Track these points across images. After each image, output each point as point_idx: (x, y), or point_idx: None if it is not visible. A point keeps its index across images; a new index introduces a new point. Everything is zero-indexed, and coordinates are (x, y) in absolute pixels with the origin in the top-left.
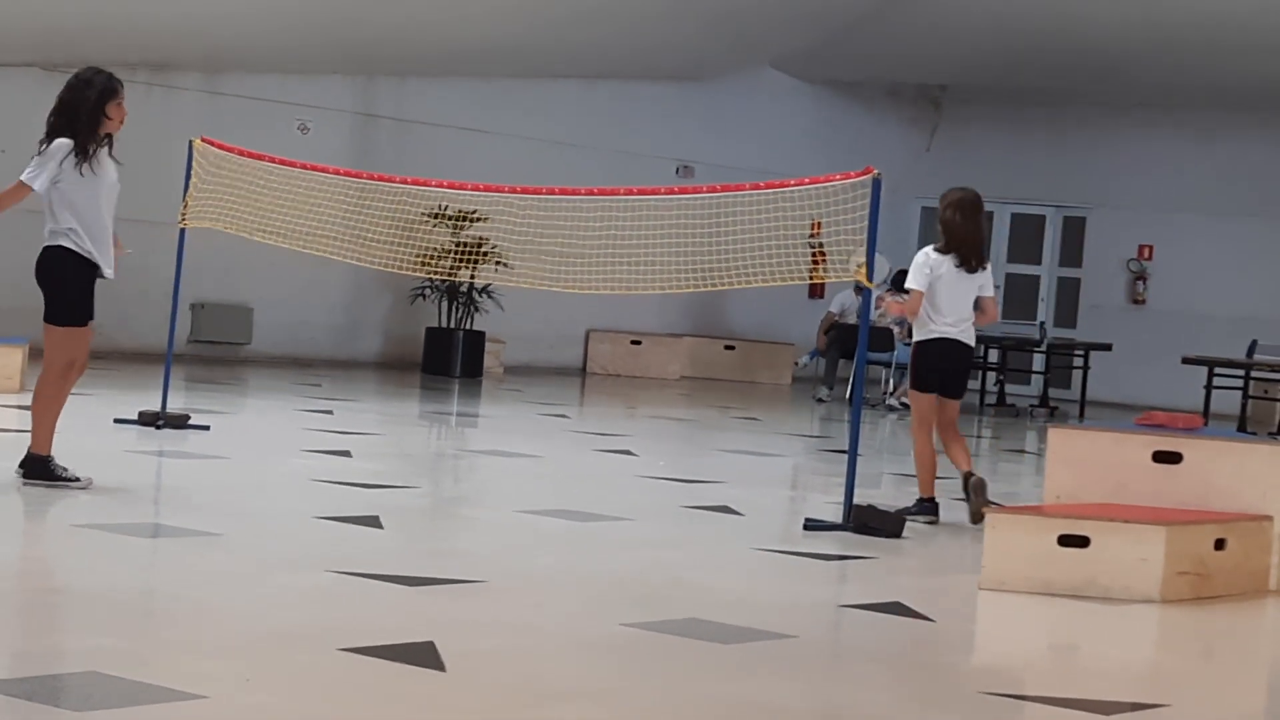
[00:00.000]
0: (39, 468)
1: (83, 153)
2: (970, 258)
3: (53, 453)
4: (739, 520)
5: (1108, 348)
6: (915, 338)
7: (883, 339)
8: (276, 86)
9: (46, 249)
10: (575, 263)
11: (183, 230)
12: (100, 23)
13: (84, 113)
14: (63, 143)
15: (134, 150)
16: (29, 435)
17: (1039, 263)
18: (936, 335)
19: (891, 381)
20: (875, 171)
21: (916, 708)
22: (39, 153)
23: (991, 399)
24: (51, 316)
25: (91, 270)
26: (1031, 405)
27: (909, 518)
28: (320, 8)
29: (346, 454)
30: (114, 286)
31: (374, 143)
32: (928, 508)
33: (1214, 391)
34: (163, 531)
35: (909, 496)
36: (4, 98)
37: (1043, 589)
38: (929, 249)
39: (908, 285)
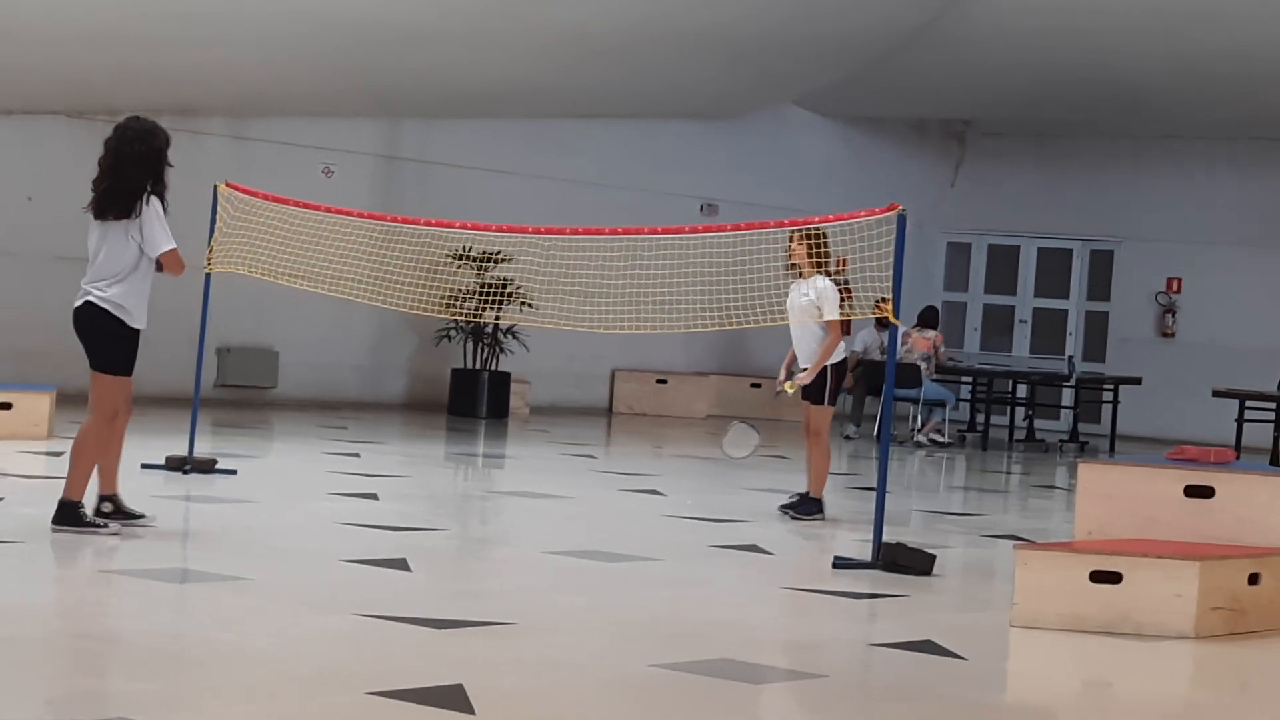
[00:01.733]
0: (69, 514)
1: (165, 207)
2: None
3: (83, 500)
4: (767, 559)
5: (1137, 381)
6: (836, 360)
7: (909, 375)
8: (301, 130)
9: (94, 306)
10: (600, 302)
11: (208, 275)
12: (126, 70)
13: (162, 163)
14: (158, 201)
15: None
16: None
17: (1067, 297)
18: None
19: (919, 418)
20: (900, 207)
21: None
22: (130, 210)
23: (1021, 434)
24: (106, 366)
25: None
26: (1061, 440)
27: (809, 517)
28: (345, 52)
29: (373, 496)
30: (141, 332)
31: (398, 185)
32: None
33: (1245, 425)
34: (191, 576)
35: (939, 534)
36: (31, 145)
37: (1075, 625)
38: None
39: (831, 317)
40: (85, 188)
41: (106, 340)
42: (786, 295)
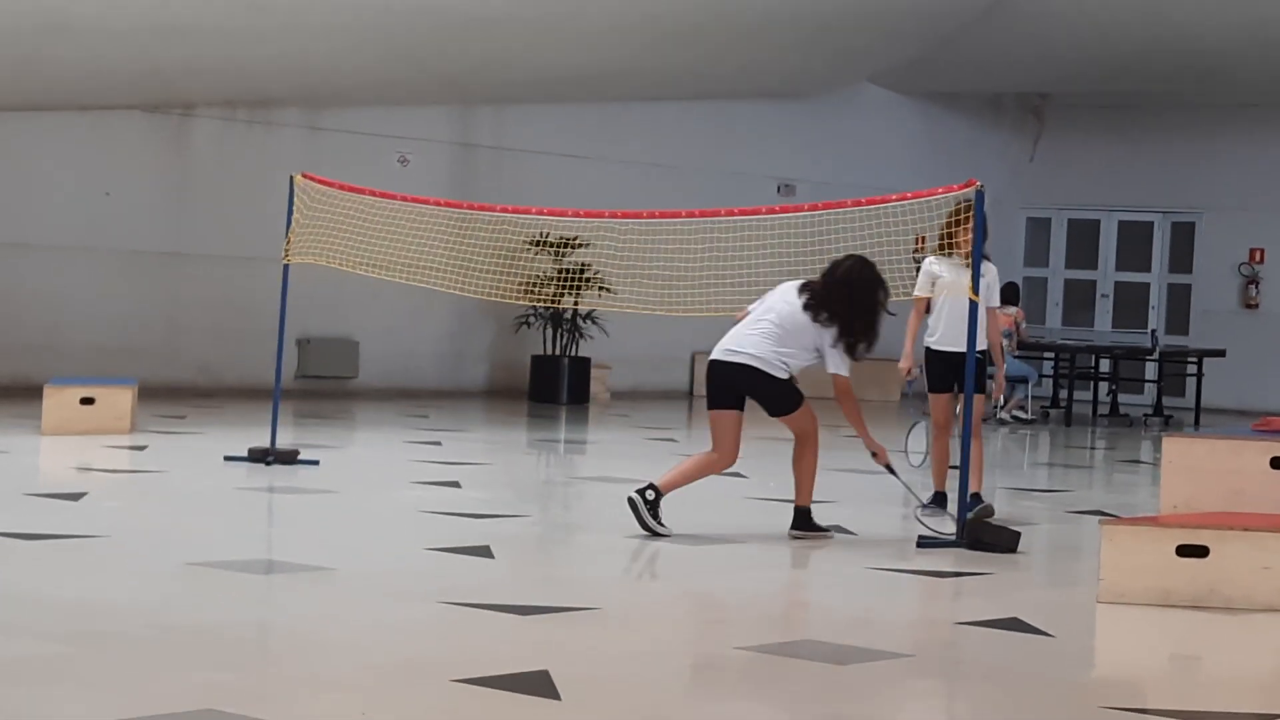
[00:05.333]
0: (803, 519)
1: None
2: None
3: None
4: (852, 539)
5: (1221, 354)
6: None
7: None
8: (376, 120)
9: (762, 371)
10: (678, 285)
11: (286, 266)
12: (200, 64)
13: (874, 319)
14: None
15: (237, 187)
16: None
17: (1148, 270)
18: None
19: (1003, 395)
20: (978, 183)
21: None
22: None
23: (1104, 409)
24: (783, 409)
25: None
26: (1145, 414)
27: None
28: (418, 40)
29: (456, 484)
30: (221, 324)
31: (474, 172)
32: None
33: None
34: (275, 567)
35: (1024, 511)
36: (107, 140)
37: (1162, 600)
38: None
39: (994, 304)
40: (162, 181)
41: (775, 390)
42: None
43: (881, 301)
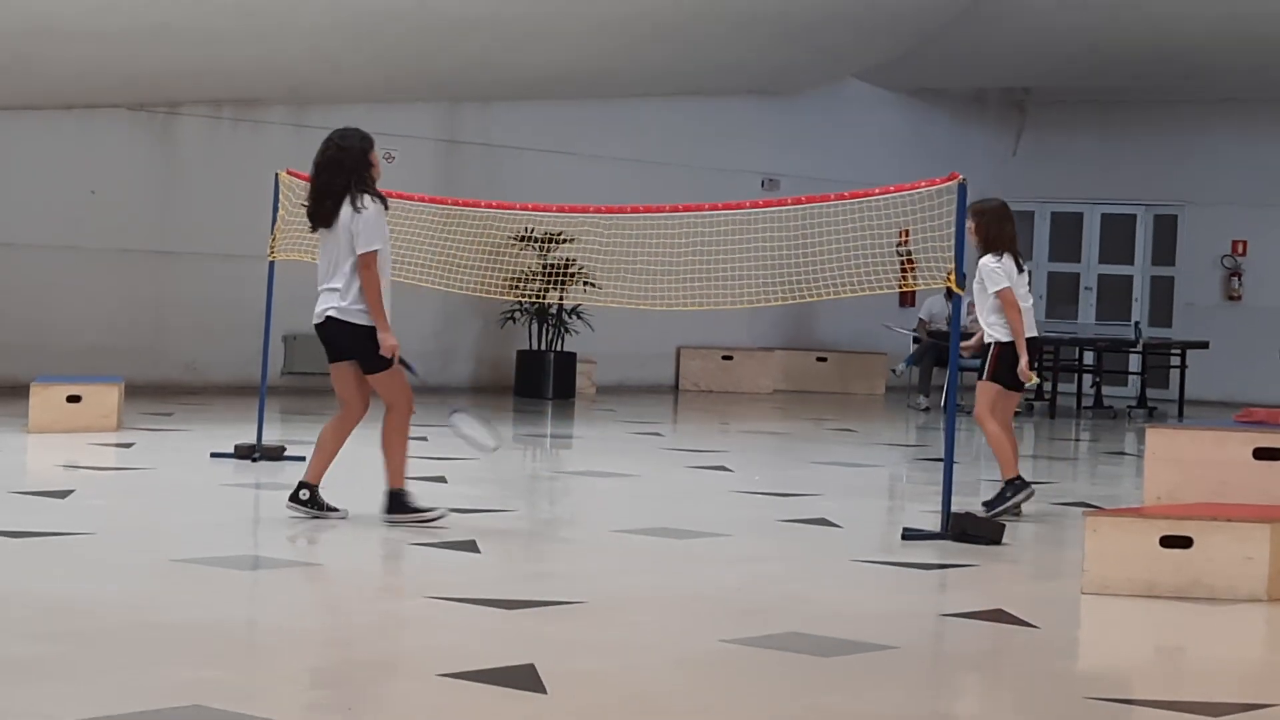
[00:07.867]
0: (397, 501)
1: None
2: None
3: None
4: (837, 532)
5: (1204, 346)
6: (1004, 338)
7: None
8: (361, 117)
9: (343, 321)
10: (663, 280)
11: (272, 263)
12: (186, 63)
13: (358, 166)
14: (380, 205)
15: (222, 185)
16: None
17: (1131, 262)
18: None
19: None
20: (960, 177)
21: (1022, 715)
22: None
23: (1089, 401)
24: (372, 366)
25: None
26: (1129, 406)
27: (1006, 504)
28: (402, 39)
29: (442, 479)
30: (207, 321)
31: (459, 168)
32: (1019, 485)
33: None
34: (262, 563)
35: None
36: (93, 139)
37: (1146, 591)
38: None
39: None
40: (148, 180)
41: (365, 344)
42: (855, 268)
43: (365, 145)
